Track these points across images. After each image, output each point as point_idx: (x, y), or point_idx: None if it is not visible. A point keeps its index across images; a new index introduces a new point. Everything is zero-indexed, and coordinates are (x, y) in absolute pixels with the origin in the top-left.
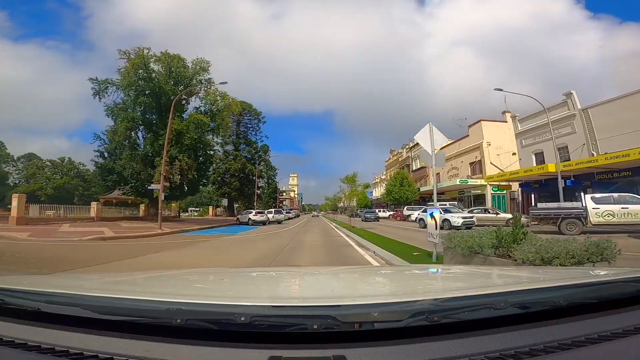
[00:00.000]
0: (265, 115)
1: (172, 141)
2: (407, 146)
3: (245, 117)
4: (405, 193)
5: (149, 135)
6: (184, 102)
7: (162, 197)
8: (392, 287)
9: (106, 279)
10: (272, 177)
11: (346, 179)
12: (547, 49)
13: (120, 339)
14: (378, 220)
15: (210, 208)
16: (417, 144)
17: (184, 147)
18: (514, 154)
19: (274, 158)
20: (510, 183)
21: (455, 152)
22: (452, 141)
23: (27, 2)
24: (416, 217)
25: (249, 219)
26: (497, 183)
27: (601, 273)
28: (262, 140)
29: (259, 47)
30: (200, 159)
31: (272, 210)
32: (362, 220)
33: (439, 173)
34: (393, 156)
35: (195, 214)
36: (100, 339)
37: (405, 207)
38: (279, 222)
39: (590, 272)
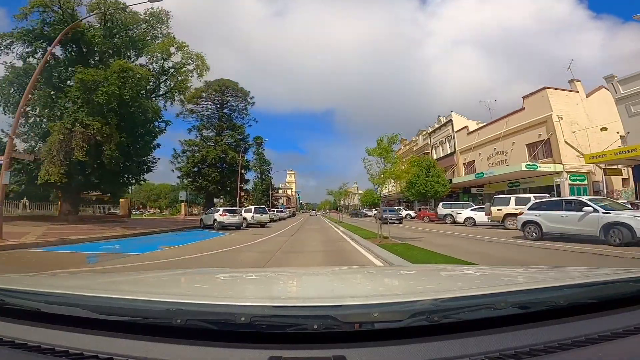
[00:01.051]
0: (254, 96)
1: (77, 98)
2: (424, 132)
3: (230, 97)
4: (434, 185)
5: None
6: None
7: (3, 178)
8: (392, 287)
9: (106, 279)
10: (266, 172)
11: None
12: (550, 49)
13: (120, 339)
14: (401, 222)
15: (183, 206)
16: (439, 128)
17: (104, 109)
18: (603, 128)
19: (270, 155)
20: (619, 166)
21: (499, 133)
22: (493, 121)
23: None
24: (465, 218)
25: (214, 220)
26: (605, 166)
27: (601, 273)
28: (249, 124)
29: (260, 45)
30: (139, 131)
31: (252, 208)
32: (379, 222)
33: (471, 162)
34: (404, 146)
35: (151, 213)
36: (100, 339)
37: (441, 204)
38: (262, 224)
39: (591, 272)
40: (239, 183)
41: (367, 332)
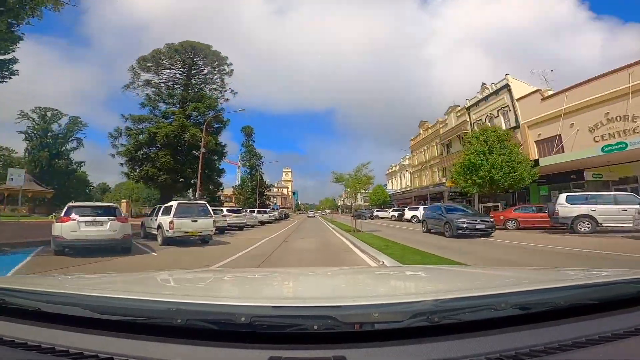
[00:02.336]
0: (232, 63)
1: None
2: (458, 108)
3: (200, 64)
4: (516, 169)
5: None
6: None
7: None
8: (392, 288)
9: (107, 279)
10: (257, 167)
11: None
12: (551, 49)
13: (120, 339)
14: (491, 235)
15: (124, 204)
16: (484, 99)
17: None
18: None
19: (268, 155)
20: None
21: (614, 92)
22: (599, 75)
23: None
24: None
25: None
26: None
27: (601, 274)
28: (225, 98)
29: (260, 43)
30: None
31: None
32: (425, 231)
33: (550, 138)
34: (424, 130)
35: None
36: (100, 338)
37: (564, 196)
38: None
39: (591, 273)
40: (200, 171)
41: (368, 333)
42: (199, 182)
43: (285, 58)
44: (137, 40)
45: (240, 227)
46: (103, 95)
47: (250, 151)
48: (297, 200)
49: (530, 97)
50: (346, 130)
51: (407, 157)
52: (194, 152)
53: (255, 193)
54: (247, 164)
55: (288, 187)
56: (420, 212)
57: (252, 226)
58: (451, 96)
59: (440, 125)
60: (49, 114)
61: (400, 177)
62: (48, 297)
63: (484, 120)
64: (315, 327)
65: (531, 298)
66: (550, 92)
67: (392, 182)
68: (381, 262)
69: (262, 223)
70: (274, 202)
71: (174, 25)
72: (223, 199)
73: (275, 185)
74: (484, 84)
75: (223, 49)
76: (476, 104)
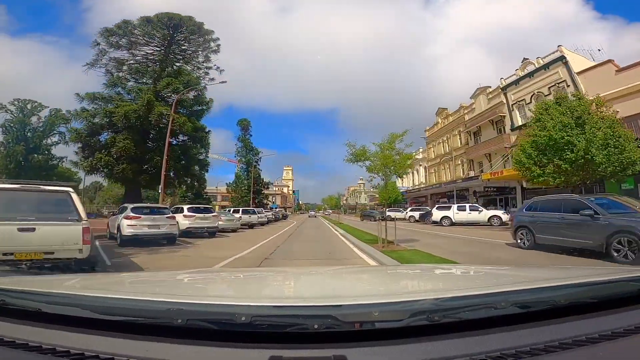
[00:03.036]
0: (218, 37)
1: None
2: (488, 90)
3: (180, 37)
4: (625, 147)
5: None
6: None
7: None
8: (392, 287)
9: (107, 279)
10: (254, 163)
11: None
12: (554, 47)
13: (121, 339)
14: None
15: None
16: (528, 76)
17: None
18: None
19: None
20: None
21: None
22: None
23: None
24: None
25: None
26: None
27: (602, 272)
28: (210, 78)
29: (263, 42)
30: None
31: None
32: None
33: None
34: (443, 119)
35: None
36: (101, 339)
37: None
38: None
39: (591, 271)
40: (165, 157)
41: (368, 332)
42: (162, 175)
43: (288, 57)
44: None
45: (212, 232)
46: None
47: (247, 146)
48: (298, 199)
49: (599, 69)
50: (349, 130)
51: (421, 150)
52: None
53: (250, 190)
54: (243, 159)
55: (289, 186)
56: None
57: (234, 230)
58: (455, 95)
59: (465, 112)
60: (29, 107)
61: (413, 172)
62: (49, 297)
63: (528, 100)
64: (316, 327)
65: (531, 296)
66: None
67: (400, 179)
68: None
69: (251, 226)
70: (273, 201)
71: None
72: (218, 197)
73: (275, 184)
74: (525, 59)
75: (225, 47)
76: (515, 82)
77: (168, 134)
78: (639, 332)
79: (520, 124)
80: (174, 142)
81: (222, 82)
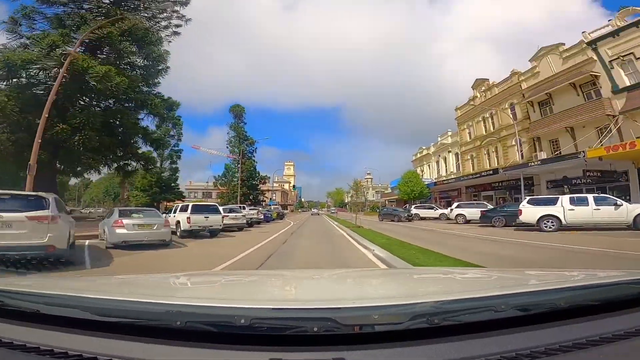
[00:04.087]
0: None
1: None
2: (560, 49)
3: None
4: None
5: None
6: None
7: None
8: (392, 289)
9: (106, 281)
10: (248, 155)
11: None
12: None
13: (120, 341)
14: None
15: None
16: (624, 29)
17: None
18: None
19: (275, 153)
20: None
21: None
22: None
23: None
24: None
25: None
26: None
27: (602, 275)
28: (172, 30)
29: (268, 39)
30: None
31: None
32: None
33: None
34: (483, 92)
35: None
36: (100, 340)
37: None
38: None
39: (591, 274)
40: (44, 115)
41: (367, 335)
42: (35, 146)
43: (292, 54)
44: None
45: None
46: None
47: (240, 134)
48: (300, 196)
49: None
50: (354, 128)
51: (449, 133)
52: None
53: (246, 186)
54: (236, 150)
55: (290, 182)
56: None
57: (196, 236)
58: (463, 91)
59: (522, 78)
60: None
61: (439, 161)
62: (47, 299)
63: (637, 54)
64: (315, 329)
65: (531, 299)
66: None
67: (421, 170)
68: None
69: (212, 233)
70: (273, 197)
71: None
72: (200, 194)
73: (276, 180)
74: (622, 7)
75: (228, 46)
76: (614, 33)
77: (57, 84)
78: (639, 334)
79: (628, 84)
80: (102, 106)
81: (176, 32)
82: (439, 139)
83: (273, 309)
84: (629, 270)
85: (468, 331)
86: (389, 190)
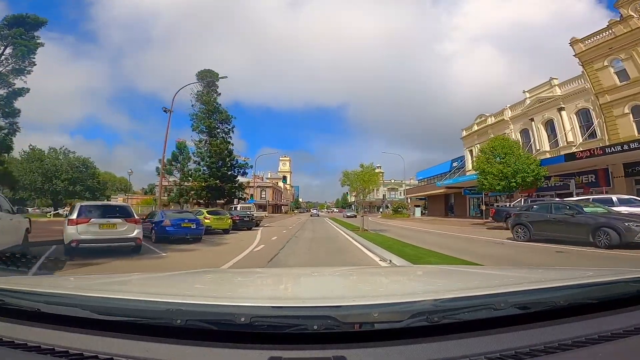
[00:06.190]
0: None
1: None
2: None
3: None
4: None
5: None
6: None
7: None
8: (392, 288)
9: (106, 280)
10: (222, 134)
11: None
12: (563, 43)
13: (120, 340)
14: None
15: None
16: None
17: None
18: None
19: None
20: None
21: None
22: None
23: None
24: None
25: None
26: None
27: (602, 273)
28: None
29: (273, 37)
30: None
31: None
32: None
33: None
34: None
35: None
36: (100, 339)
37: None
38: None
39: (591, 272)
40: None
41: (367, 333)
42: None
43: (296, 52)
44: (146, 31)
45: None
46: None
47: (210, 107)
48: (298, 196)
49: None
50: (358, 127)
51: (555, 82)
52: None
53: (219, 179)
54: (203, 126)
55: (284, 177)
56: None
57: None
58: (469, 90)
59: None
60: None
61: (534, 127)
62: (48, 297)
63: None
64: (315, 327)
65: (531, 297)
66: None
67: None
68: None
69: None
70: (263, 195)
71: (184, 18)
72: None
73: (270, 177)
74: None
75: (233, 39)
76: None
77: None
78: (638, 333)
79: None
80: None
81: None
82: (526, 94)
83: (273, 307)
84: (628, 268)
85: (468, 329)
86: (413, 184)
